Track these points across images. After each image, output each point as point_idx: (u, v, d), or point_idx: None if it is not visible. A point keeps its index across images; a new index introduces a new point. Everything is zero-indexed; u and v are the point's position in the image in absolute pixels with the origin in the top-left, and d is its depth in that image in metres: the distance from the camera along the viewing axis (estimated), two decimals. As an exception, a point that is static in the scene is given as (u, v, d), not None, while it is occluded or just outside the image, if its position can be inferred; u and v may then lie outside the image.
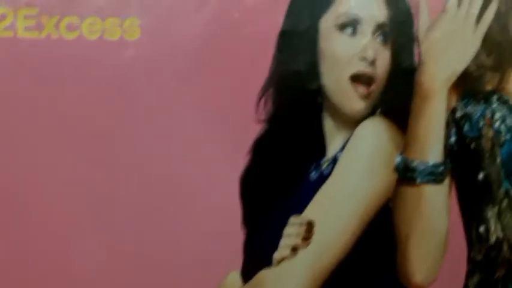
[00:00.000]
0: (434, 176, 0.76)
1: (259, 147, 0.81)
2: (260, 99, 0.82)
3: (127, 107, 0.81)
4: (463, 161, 0.79)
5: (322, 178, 0.80)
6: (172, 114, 0.82)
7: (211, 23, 0.81)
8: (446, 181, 0.78)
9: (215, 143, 0.82)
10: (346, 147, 0.79)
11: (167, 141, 0.82)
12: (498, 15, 0.79)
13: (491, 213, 0.78)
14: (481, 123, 0.79)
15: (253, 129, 0.82)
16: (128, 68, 0.81)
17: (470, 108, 0.80)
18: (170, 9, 0.81)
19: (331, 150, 0.82)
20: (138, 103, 0.82)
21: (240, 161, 0.82)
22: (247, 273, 0.80)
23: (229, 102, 0.82)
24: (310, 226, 0.77)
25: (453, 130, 0.80)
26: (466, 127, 0.79)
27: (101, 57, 0.80)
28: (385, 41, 0.81)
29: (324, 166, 0.82)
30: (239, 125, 0.82)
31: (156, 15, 0.81)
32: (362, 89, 0.80)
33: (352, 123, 0.81)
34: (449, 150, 0.79)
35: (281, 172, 0.81)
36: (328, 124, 0.82)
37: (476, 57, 0.78)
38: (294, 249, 0.77)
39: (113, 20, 0.80)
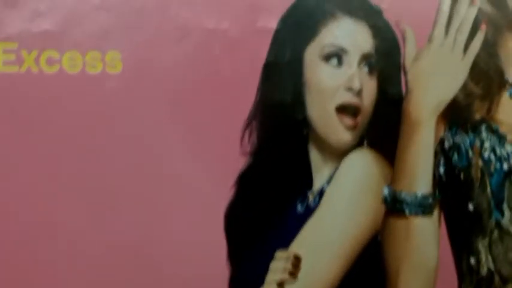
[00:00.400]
0: (423, 207, 0.79)
1: (244, 180, 0.84)
2: (244, 131, 0.85)
3: (110, 140, 0.85)
4: (452, 191, 0.82)
5: (309, 211, 0.82)
6: (155, 148, 0.86)
7: (192, 56, 0.85)
8: (436, 212, 0.81)
9: (198, 176, 0.85)
10: (332, 179, 0.81)
11: (149, 176, 0.85)
12: (486, 43, 0.84)
13: (481, 244, 0.81)
14: (470, 153, 0.83)
15: (238, 162, 0.86)
16: (111, 101, 0.85)
17: (458, 138, 0.84)
18: (151, 42, 0.85)
19: (318, 182, 0.84)
20: (120, 136, 0.85)
21: (224, 194, 0.85)
22: (234, 309, 0.82)
23: (212, 135, 0.85)
24: (297, 261, 0.80)
25: (442, 160, 0.83)
26: (455, 157, 0.83)
27: (83, 90, 0.85)
28: (371, 71, 0.84)
29: (311, 199, 0.84)
30: (223, 158, 0.85)
31: (137, 48, 0.85)
32: (348, 120, 0.83)
33: (338, 154, 0.83)
34: (438, 181, 0.82)
35: (267, 205, 0.84)
36: (314, 156, 0.85)
37: (464, 85, 0.82)
38: (280, 285, 0.79)
39: (94, 53, 0.84)
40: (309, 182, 0.83)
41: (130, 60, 0.82)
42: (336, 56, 0.82)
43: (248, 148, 0.84)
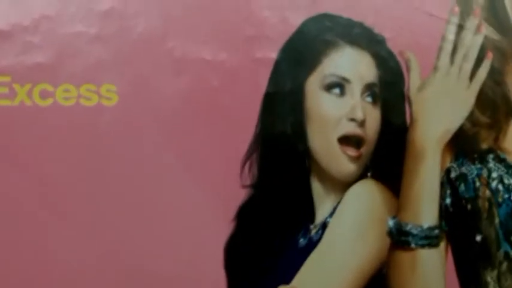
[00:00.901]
0: (429, 239, 0.82)
1: (245, 214, 0.87)
2: (245, 163, 0.89)
3: (105, 174, 0.89)
4: (459, 223, 0.86)
5: (311, 245, 0.83)
6: (152, 182, 0.90)
7: (190, 88, 0.90)
8: (442, 244, 0.85)
9: (197, 210, 0.89)
10: (335, 212, 0.83)
11: (146, 211, 0.89)
12: (492, 71, 0.88)
13: (490, 277, 0.84)
14: (477, 183, 0.86)
15: (238, 195, 0.90)
16: (106, 133, 0.90)
17: (465, 168, 0.87)
18: (147, 74, 0.90)
19: (320, 215, 0.87)
20: (116, 170, 0.89)
21: (224, 228, 0.89)
22: None
23: (211, 168, 0.90)
24: (299, 296, 0.83)
25: (448, 191, 0.87)
26: (462, 188, 0.87)
27: (78, 123, 0.90)
28: (374, 101, 0.87)
29: (313, 232, 0.87)
30: (222, 191, 0.89)
31: (133, 81, 0.91)
32: (351, 151, 0.86)
33: (341, 186, 0.85)
34: (444, 212, 0.86)
35: (268, 239, 0.87)
36: (317, 188, 0.88)
37: (471, 114, 0.86)
38: (283, 320, 0.82)
39: (89, 86, 0.90)
40: (311, 214, 0.85)
41: (126, 92, 0.87)
42: (338, 85, 0.85)
43: (248, 180, 0.87)
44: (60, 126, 0.84)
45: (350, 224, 0.81)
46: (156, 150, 0.85)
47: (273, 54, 0.87)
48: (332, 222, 0.83)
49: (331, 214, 0.84)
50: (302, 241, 0.84)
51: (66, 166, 0.84)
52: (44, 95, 0.85)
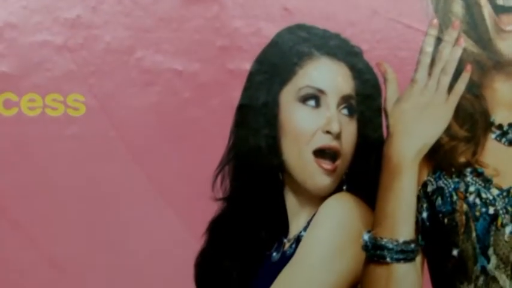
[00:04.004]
0: (405, 254, 0.86)
1: (216, 228, 0.90)
2: (216, 176, 0.93)
3: (70, 186, 0.91)
4: (436, 237, 0.90)
5: (285, 259, 0.86)
6: (121, 194, 0.92)
7: (161, 99, 0.93)
8: (418, 259, 0.88)
9: (167, 224, 0.92)
10: (309, 226, 0.85)
11: (114, 224, 0.92)
12: (471, 84, 0.93)
13: (466, 291, 0.88)
14: (455, 198, 0.90)
15: (209, 209, 0.93)
16: (72, 144, 0.93)
17: (442, 182, 0.92)
18: (117, 85, 0.93)
19: (294, 229, 0.89)
20: (82, 182, 0.92)
21: (194, 242, 0.92)
22: None
23: (182, 181, 0.93)
24: (271, 312, 0.85)
25: (425, 205, 0.91)
26: (439, 202, 0.91)
27: (43, 133, 0.92)
28: (351, 114, 0.90)
29: (287, 246, 0.89)
30: (193, 204, 0.93)
31: (102, 92, 0.93)
32: (326, 165, 0.89)
33: (316, 200, 0.88)
34: (420, 226, 0.90)
35: (240, 253, 0.89)
36: (291, 201, 0.90)
37: (449, 128, 0.90)
38: (254, 337, 0.85)
39: (54, 96, 0.93)
40: (285, 228, 0.88)
41: (94, 103, 0.90)
42: (314, 97, 0.87)
43: (220, 194, 0.90)
44: (24, 136, 0.86)
45: (324, 238, 0.84)
46: (125, 162, 0.87)
47: (246, 66, 0.89)
48: (306, 237, 0.85)
49: (305, 228, 0.86)
50: (275, 255, 0.87)
51: (30, 178, 0.86)
52: (8, 104, 0.87)
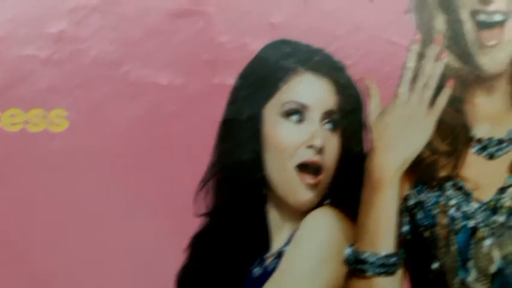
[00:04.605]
0: (386, 267, 0.88)
1: (198, 243, 0.90)
2: (199, 191, 0.94)
3: (52, 203, 0.93)
4: (417, 250, 0.92)
5: (266, 274, 0.86)
6: (104, 209, 0.93)
7: (146, 113, 0.95)
8: (399, 272, 0.91)
9: (150, 239, 0.93)
10: (292, 241, 0.86)
11: (98, 240, 0.93)
12: (452, 99, 0.96)
13: (446, 304, 0.90)
14: (436, 211, 0.93)
15: (192, 224, 0.95)
16: (54, 160, 0.94)
17: (423, 196, 0.94)
18: (102, 99, 0.95)
19: (276, 244, 0.90)
20: (65, 199, 0.93)
21: (177, 257, 0.94)
22: None
23: (165, 196, 0.94)
24: (253, 328, 0.87)
25: (406, 218, 0.94)
26: (420, 215, 0.93)
27: (24, 149, 0.93)
28: (334, 128, 0.91)
29: (268, 261, 0.89)
30: (176, 219, 0.94)
31: (86, 107, 0.95)
32: (309, 179, 0.90)
33: (298, 214, 0.89)
34: (402, 240, 0.93)
35: (222, 268, 0.89)
36: (273, 216, 0.91)
37: (430, 142, 0.93)
38: None
39: (37, 111, 0.94)
40: (267, 243, 0.89)
41: (77, 118, 0.91)
42: (297, 112, 0.89)
43: (203, 209, 0.91)
44: (4, 153, 0.87)
45: (306, 253, 0.85)
46: (109, 178, 0.88)
47: (231, 80, 0.90)
48: (288, 251, 0.86)
49: (287, 243, 0.87)
50: (257, 270, 0.88)
51: (9, 194, 0.87)
52: (-9, 119, 0.88)
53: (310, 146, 0.88)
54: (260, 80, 0.90)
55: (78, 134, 0.86)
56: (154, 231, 0.86)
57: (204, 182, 0.89)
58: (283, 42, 0.91)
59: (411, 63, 0.88)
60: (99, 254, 0.86)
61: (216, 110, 0.90)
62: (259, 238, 0.88)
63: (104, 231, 0.86)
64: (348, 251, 0.84)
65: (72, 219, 0.86)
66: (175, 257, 0.86)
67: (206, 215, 0.89)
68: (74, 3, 0.88)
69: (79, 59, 0.87)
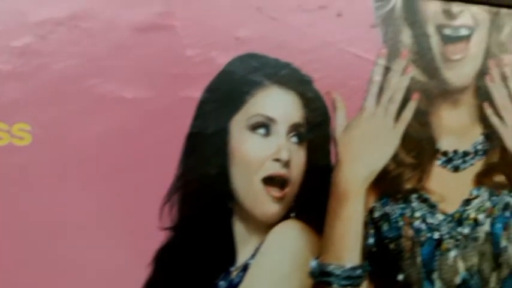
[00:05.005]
0: (351, 280, 0.89)
1: (163, 257, 0.91)
2: (164, 205, 0.95)
3: (15, 219, 0.92)
4: (382, 262, 0.93)
5: (232, 287, 0.89)
6: (68, 223, 0.93)
7: (110, 129, 0.95)
8: (365, 284, 0.92)
9: (114, 253, 0.93)
10: (258, 254, 0.87)
11: (61, 256, 0.92)
12: (418, 112, 0.98)
13: (411, 315, 0.91)
14: (401, 223, 0.94)
15: (157, 238, 0.95)
16: (17, 175, 0.94)
17: (389, 208, 0.95)
18: (65, 114, 0.95)
19: (242, 257, 0.90)
20: (28, 213, 0.93)
21: (141, 271, 0.94)
22: None
23: (130, 209, 0.94)
24: None
25: (371, 231, 0.95)
26: (385, 227, 0.95)
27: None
28: (300, 142, 0.92)
29: (234, 274, 0.90)
30: (141, 233, 0.94)
31: (49, 121, 0.95)
32: (275, 192, 0.91)
33: (264, 227, 0.90)
34: (367, 252, 0.94)
35: (187, 282, 0.90)
36: (239, 229, 0.91)
37: (396, 155, 0.95)
38: None
39: (0, 125, 0.93)
40: (232, 256, 0.90)
41: (41, 132, 0.91)
42: (264, 125, 0.90)
43: (168, 223, 0.92)
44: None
45: (272, 266, 0.86)
46: (73, 192, 0.88)
47: (198, 94, 0.91)
48: (254, 264, 0.87)
49: (253, 256, 0.88)
50: (222, 284, 0.88)
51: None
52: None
53: (277, 159, 0.89)
54: (227, 93, 0.90)
55: (42, 148, 0.86)
56: (119, 245, 0.86)
57: (170, 196, 0.89)
58: (250, 56, 0.92)
59: (377, 77, 0.89)
60: (62, 268, 0.85)
61: (182, 124, 0.90)
62: (225, 251, 0.89)
63: (67, 245, 0.86)
64: (313, 263, 0.84)
65: (34, 234, 0.86)
66: (140, 271, 0.86)
67: (171, 228, 0.89)
68: (40, 17, 0.88)
69: (43, 73, 0.87)
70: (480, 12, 0.94)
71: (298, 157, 0.90)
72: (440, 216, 0.87)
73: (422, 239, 0.87)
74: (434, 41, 0.92)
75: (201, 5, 0.90)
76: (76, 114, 0.87)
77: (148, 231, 0.86)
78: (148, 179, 0.86)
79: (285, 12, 0.91)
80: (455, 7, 0.92)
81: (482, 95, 0.94)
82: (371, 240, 0.87)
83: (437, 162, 0.89)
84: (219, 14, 0.90)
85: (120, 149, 0.87)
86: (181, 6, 0.89)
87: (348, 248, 0.82)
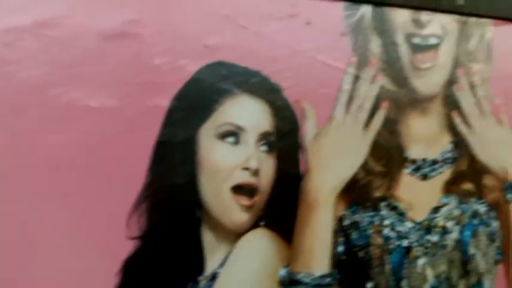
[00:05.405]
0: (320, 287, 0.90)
1: (131, 267, 0.91)
2: (132, 213, 0.95)
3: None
4: (352, 270, 0.94)
5: None
6: (36, 232, 0.92)
7: (77, 137, 0.94)
8: (335, 292, 0.92)
9: (82, 262, 0.92)
10: (226, 263, 0.87)
11: (26, 262, 0.92)
12: (387, 120, 0.99)
13: (380, 323, 0.92)
14: (370, 231, 0.95)
15: (124, 247, 0.94)
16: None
17: (358, 216, 0.96)
18: (30, 123, 0.94)
19: (211, 266, 0.90)
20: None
21: (109, 281, 0.93)
22: None
23: (97, 218, 0.94)
24: None
25: (341, 239, 0.96)
26: (354, 235, 0.95)
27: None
28: (269, 150, 0.93)
29: (203, 283, 0.89)
30: (108, 242, 0.94)
31: (16, 132, 0.94)
32: (244, 201, 0.91)
33: (233, 236, 0.90)
34: (337, 260, 0.95)
35: (155, 292, 0.92)
36: (208, 238, 0.91)
37: (365, 163, 0.96)
38: None
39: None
40: (201, 265, 0.89)
41: (6, 142, 0.91)
42: (233, 134, 0.90)
43: (136, 232, 0.92)
44: None
45: (241, 275, 0.86)
46: (39, 202, 0.87)
47: (166, 103, 0.91)
48: (223, 273, 0.87)
49: (222, 265, 0.88)
50: (191, 293, 0.88)
51: None
52: None
53: (246, 168, 0.89)
54: (196, 102, 0.91)
55: (8, 157, 0.85)
56: (87, 254, 0.86)
57: (138, 205, 0.89)
58: (219, 65, 0.92)
59: (347, 86, 0.90)
60: (30, 277, 0.84)
61: (150, 133, 0.90)
62: (193, 260, 0.89)
63: (35, 254, 0.85)
64: (282, 272, 0.85)
65: (2, 243, 0.85)
66: (107, 281, 0.86)
67: (139, 238, 0.89)
68: (5, 25, 0.88)
69: (9, 81, 0.87)
70: (449, 21, 0.96)
71: (267, 166, 0.90)
72: (409, 224, 0.89)
73: (391, 247, 0.87)
74: (403, 49, 0.93)
75: (170, 13, 0.90)
76: (42, 123, 0.87)
77: (116, 240, 0.85)
78: (116, 188, 0.86)
79: (255, 20, 0.91)
80: (424, 16, 0.94)
81: (451, 103, 0.95)
82: (340, 249, 0.88)
83: (406, 171, 0.91)
84: (188, 22, 0.90)
85: (87, 158, 0.87)
86: (150, 14, 0.89)
87: (317, 256, 0.83)
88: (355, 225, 0.88)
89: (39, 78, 0.88)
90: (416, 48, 0.93)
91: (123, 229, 0.87)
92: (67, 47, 0.89)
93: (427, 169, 0.91)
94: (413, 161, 0.91)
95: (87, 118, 0.88)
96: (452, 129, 0.95)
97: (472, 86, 0.96)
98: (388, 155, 0.89)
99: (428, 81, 0.94)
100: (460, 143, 0.93)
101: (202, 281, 0.87)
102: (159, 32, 0.89)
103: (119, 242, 0.86)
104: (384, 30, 0.93)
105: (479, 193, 0.93)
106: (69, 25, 0.89)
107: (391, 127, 0.90)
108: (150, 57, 0.89)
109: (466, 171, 0.93)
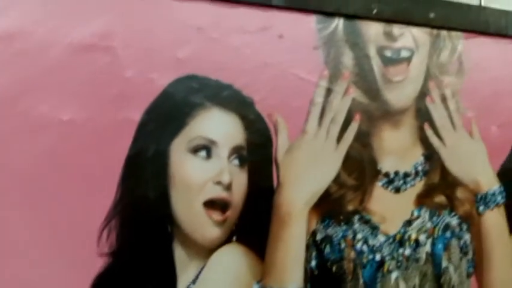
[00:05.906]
0: (293, 303, 0.91)
1: (101, 284, 0.92)
2: (102, 230, 0.95)
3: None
4: (325, 285, 0.95)
5: None
6: (6, 246, 0.91)
7: (47, 151, 0.94)
8: (307, 307, 0.93)
9: (52, 279, 0.92)
10: (199, 279, 0.87)
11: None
12: (359, 133, 1.00)
13: (353, 337, 0.92)
14: (343, 245, 0.96)
15: (95, 264, 0.94)
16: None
17: (331, 230, 0.97)
18: (1, 136, 0.94)
19: (183, 282, 0.90)
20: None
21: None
22: None
23: (67, 235, 0.94)
24: None
25: (314, 253, 0.96)
26: (327, 250, 0.96)
27: None
28: (242, 164, 0.93)
29: None
30: (78, 258, 0.93)
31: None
32: (217, 215, 0.91)
33: (206, 251, 0.89)
34: (309, 275, 0.95)
35: (125, 310, 0.91)
36: (180, 254, 0.91)
37: (337, 176, 0.97)
38: None
39: None
40: (173, 281, 0.89)
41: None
42: (205, 148, 0.91)
43: (106, 249, 0.91)
44: None
45: (214, 290, 0.85)
46: (9, 216, 0.87)
47: (137, 116, 0.91)
48: (195, 289, 0.84)
49: (194, 281, 0.88)
50: (162, 310, 0.88)
51: None
52: None
53: (218, 182, 0.89)
54: (167, 115, 0.91)
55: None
56: (56, 271, 0.85)
57: (108, 220, 0.89)
58: (191, 78, 0.93)
59: (319, 99, 0.91)
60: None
61: (121, 146, 0.90)
62: (165, 276, 0.88)
63: (5, 268, 0.84)
64: (255, 287, 0.85)
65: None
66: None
67: (109, 254, 0.88)
68: (-29, 37, 0.88)
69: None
70: (421, 34, 0.98)
71: (239, 180, 0.90)
72: (381, 238, 0.90)
73: (364, 261, 0.88)
74: (375, 62, 0.94)
75: (141, 26, 0.90)
76: (11, 136, 0.87)
77: (86, 257, 0.85)
78: (86, 203, 0.86)
79: (226, 33, 0.92)
80: (396, 29, 0.95)
81: (423, 116, 0.97)
82: (313, 263, 0.89)
83: (379, 184, 0.92)
84: (159, 34, 0.90)
85: (57, 172, 0.87)
86: (120, 26, 0.89)
87: (290, 270, 0.83)
88: (328, 239, 0.89)
89: (8, 91, 0.88)
90: (388, 61, 0.95)
91: (93, 245, 0.86)
92: (36, 59, 0.89)
93: (399, 182, 0.92)
94: (386, 174, 0.92)
95: (56, 131, 0.87)
96: (424, 141, 0.96)
97: (444, 99, 0.98)
98: (360, 168, 0.90)
99: (400, 93, 0.95)
100: (431, 156, 0.95)
101: (175, 297, 0.87)
102: (130, 44, 0.90)
103: (89, 258, 0.85)
104: (356, 43, 0.94)
105: (451, 206, 0.94)
106: (39, 37, 0.89)
107: (363, 140, 0.91)
108: (121, 70, 0.90)
109: (438, 184, 0.94)
